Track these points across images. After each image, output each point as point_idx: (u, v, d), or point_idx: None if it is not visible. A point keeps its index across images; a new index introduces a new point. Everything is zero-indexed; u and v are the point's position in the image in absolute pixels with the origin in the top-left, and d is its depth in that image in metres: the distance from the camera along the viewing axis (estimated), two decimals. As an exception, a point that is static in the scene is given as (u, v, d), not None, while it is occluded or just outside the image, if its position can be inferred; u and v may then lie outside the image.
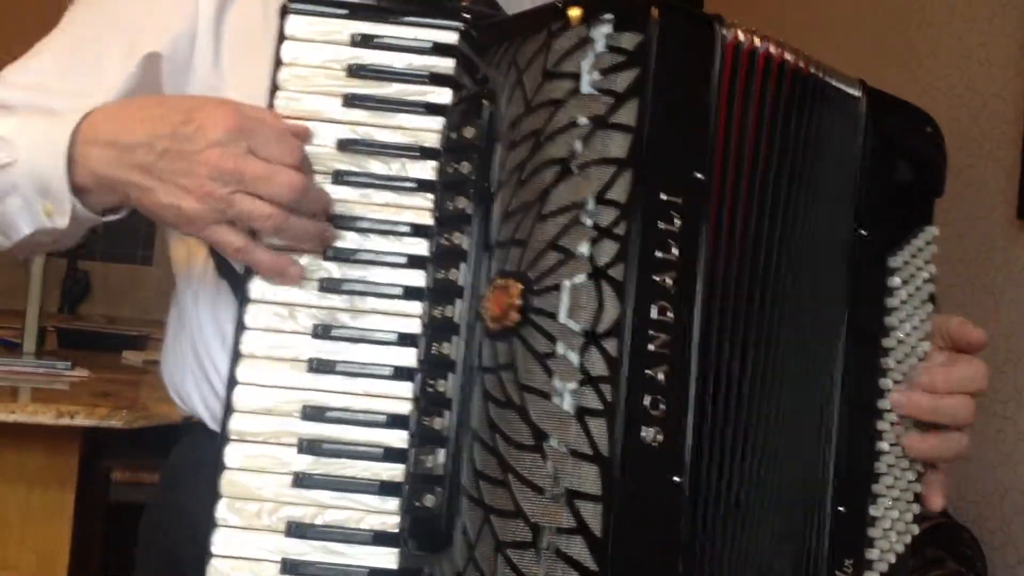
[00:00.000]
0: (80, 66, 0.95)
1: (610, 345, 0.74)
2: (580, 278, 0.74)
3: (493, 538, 0.76)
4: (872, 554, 0.86)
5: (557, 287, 0.75)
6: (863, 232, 0.87)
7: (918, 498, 0.88)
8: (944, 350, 0.89)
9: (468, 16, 0.83)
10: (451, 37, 0.82)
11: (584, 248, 0.74)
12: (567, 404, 0.74)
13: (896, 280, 0.88)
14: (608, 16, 0.76)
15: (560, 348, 0.74)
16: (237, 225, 0.78)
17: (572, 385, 0.74)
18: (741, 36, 0.80)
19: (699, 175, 0.77)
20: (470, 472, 0.79)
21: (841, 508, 0.85)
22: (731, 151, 0.79)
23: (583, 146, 0.75)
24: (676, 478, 0.75)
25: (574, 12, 0.77)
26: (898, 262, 0.88)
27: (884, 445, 0.86)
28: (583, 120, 0.75)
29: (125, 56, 0.93)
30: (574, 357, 0.74)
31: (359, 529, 0.79)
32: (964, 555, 2.20)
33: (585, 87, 0.76)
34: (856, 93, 0.87)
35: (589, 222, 0.74)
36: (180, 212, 0.78)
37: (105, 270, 4.70)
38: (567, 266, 0.75)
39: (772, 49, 0.82)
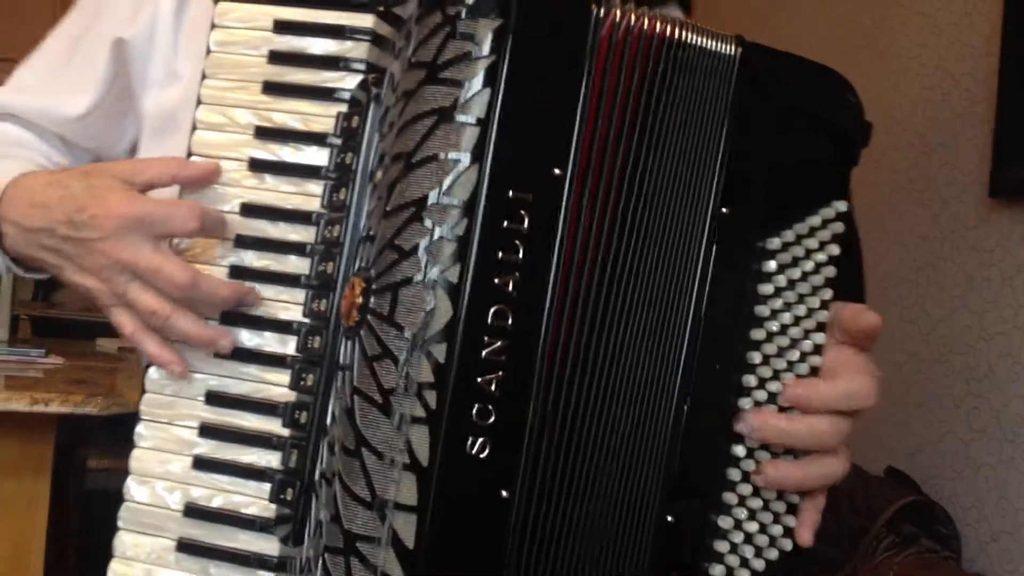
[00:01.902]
0: (72, 63, 1.02)
1: (438, 350, 0.71)
2: (414, 279, 0.72)
3: (320, 541, 0.76)
4: (716, 570, 0.77)
5: (391, 287, 0.73)
6: (724, 210, 0.77)
7: (791, 508, 0.78)
8: (843, 344, 0.78)
9: None
10: (367, 20, 0.80)
11: (420, 248, 0.72)
12: (390, 410, 0.72)
13: (771, 264, 0.77)
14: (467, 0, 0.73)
15: (389, 351, 0.73)
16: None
17: (396, 390, 0.72)
18: (618, 16, 0.74)
19: (556, 170, 0.72)
20: (318, 472, 0.78)
21: (670, 518, 0.76)
22: (597, 141, 0.74)
23: (428, 140, 0.73)
24: (504, 492, 0.72)
25: None
26: (776, 244, 0.77)
27: (740, 450, 0.76)
28: (430, 112, 0.73)
29: (105, 47, 1.00)
30: (400, 362, 0.72)
31: (245, 515, 0.79)
32: (938, 533, 2.22)
33: (437, 76, 0.73)
34: (728, 51, 0.77)
35: (428, 220, 0.72)
36: (88, 290, 0.81)
37: (79, 257, 4.66)
38: (401, 266, 0.73)
39: (645, 24, 0.75)
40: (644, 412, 0.76)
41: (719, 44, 0.77)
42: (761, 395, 0.76)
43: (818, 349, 0.76)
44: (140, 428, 0.81)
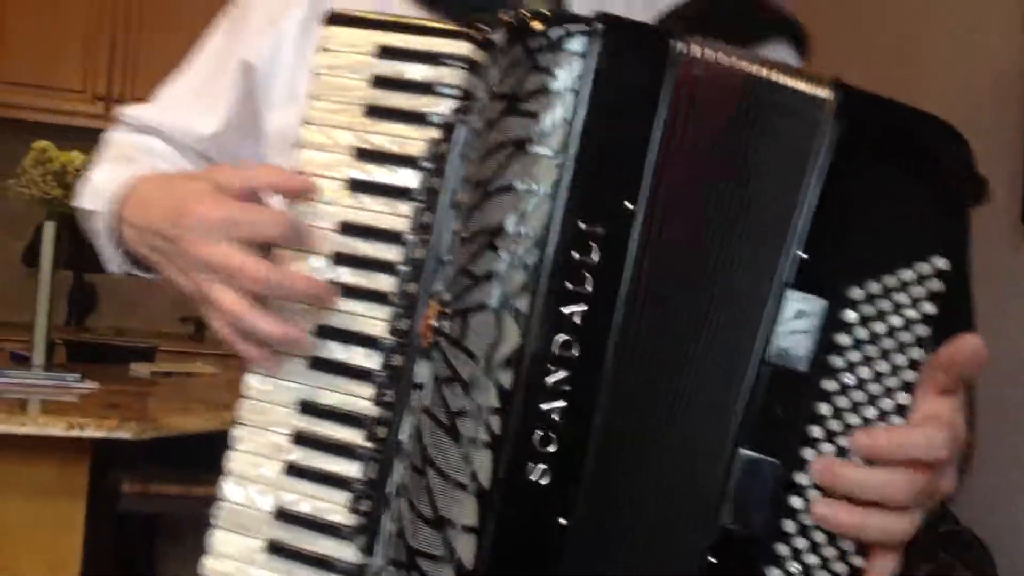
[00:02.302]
0: (207, 84, 1.08)
1: (504, 376, 0.73)
2: (484, 305, 0.74)
3: (388, 554, 0.79)
4: None
5: (463, 312, 0.75)
6: (802, 254, 0.75)
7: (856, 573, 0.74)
8: (940, 393, 0.74)
9: (486, 26, 0.81)
10: (463, 48, 0.82)
11: (491, 275, 0.74)
12: (456, 432, 0.74)
13: (851, 314, 0.74)
14: (549, 33, 0.75)
15: (458, 374, 0.75)
16: None
17: (463, 413, 0.74)
18: (699, 53, 0.75)
19: (628, 204, 0.73)
20: (391, 486, 0.80)
21: (713, 559, 0.75)
22: (672, 177, 0.74)
23: (505, 169, 0.75)
24: (562, 520, 0.73)
25: (536, 25, 0.76)
26: (859, 294, 0.74)
27: (798, 501, 0.74)
28: (508, 142, 0.75)
29: (235, 69, 1.05)
30: (467, 386, 0.74)
31: (329, 522, 0.82)
32: (974, 561, 2.20)
33: (517, 107, 0.75)
34: (823, 94, 0.76)
35: (500, 249, 0.74)
36: (182, 288, 0.85)
37: (112, 282, 4.71)
38: (473, 292, 0.75)
39: (730, 62, 0.75)
40: (701, 453, 0.76)
41: (813, 86, 0.76)
42: (827, 448, 0.74)
43: (901, 410, 0.73)
44: (237, 432, 0.84)
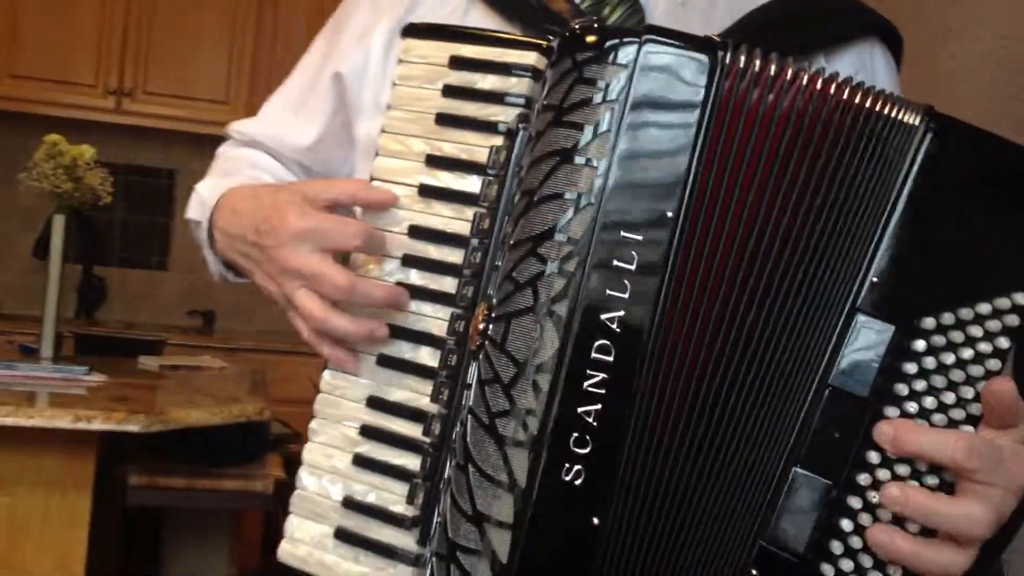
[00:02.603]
0: (306, 96, 1.14)
1: (542, 379, 0.76)
2: (526, 310, 0.77)
3: (432, 546, 0.82)
4: None
5: (506, 316, 0.78)
6: (874, 279, 0.75)
7: None
8: (1005, 428, 0.73)
9: (552, 37, 0.83)
10: (530, 57, 0.84)
11: (534, 281, 0.77)
12: (495, 432, 0.77)
13: (920, 343, 0.74)
14: (592, 45, 0.77)
15: (499, 376, 0.78)
16: None
17: (503, 414, 0.77)
18: (744, 63, 0.76)
19: (669, 213, 0.75)
20: (442, 481, 0.83)
21: (755, 573, 0.76)
22: (727, 187, 0.75)
23: (550, 178, 0.77)
24: (595, 519, 0.76)
25: (585, 43, 0.78)
26: (930, 323, 0.74)
27: (847, 524, 0.74)
28: (554, 152, 0.77)
29: (329, 81, 1.12)
30: (507, 387, 0.77)
31: (392, 512, 0.86)
32: None
33: (562, 119, 0.78)
34: (911, 121, 0.75)
35: (543, 256, 0.77)
36: (269, 293, 0.92)
37: (121, 275, 4.74)
38: (516, 297, 0.78)
39: (784, 75, 0.76)
40: (745, 467, 0.77)
41: (902, 112, 0.76)
42: (883, 474, 0.74)
43: None
44: (313, 424, 0.89)
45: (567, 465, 0.75)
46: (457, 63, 0.86)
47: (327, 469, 0.88)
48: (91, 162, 2.85)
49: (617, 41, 0.76)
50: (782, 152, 0.75)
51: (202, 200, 1.07)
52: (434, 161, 0.86)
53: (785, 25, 0.96)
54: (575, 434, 0.75)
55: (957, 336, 0.74)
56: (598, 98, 0.76)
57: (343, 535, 0.86)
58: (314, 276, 0.84)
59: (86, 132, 3.73)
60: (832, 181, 0.76)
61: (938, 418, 0.73)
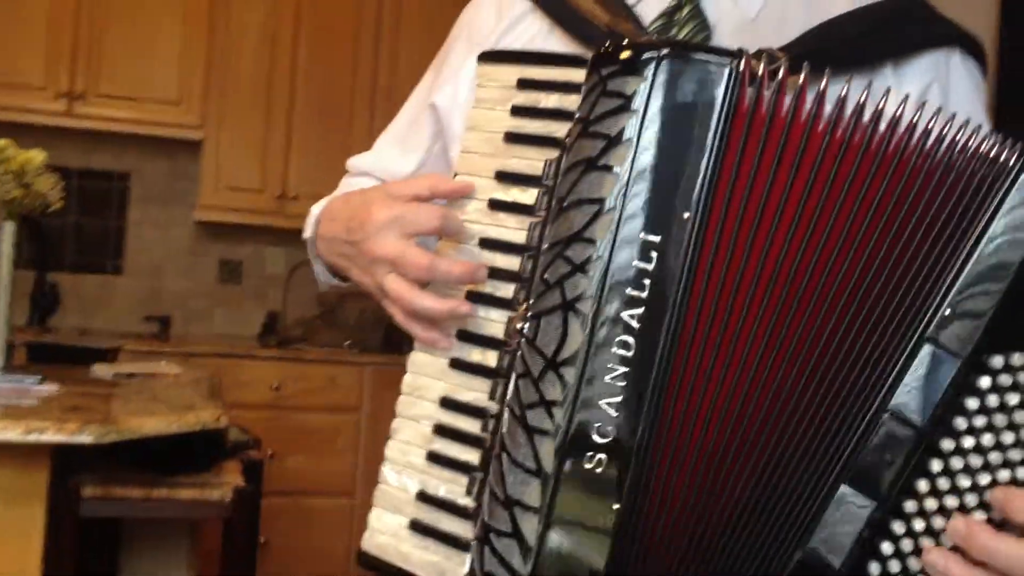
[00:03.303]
0: (411, 127, 1.23)
1: (568, 372, 0.82)
2: (554, 308, 0.84)
3: (476, 531, 0.88)
4: None
5: (537, 315, 0.85)
6: (947, 312, 0.77)
7: None
8: None
9: (602, 48, 0.87)
10: (582, 75, 0.88)
11: (562, 281, 0.83)
12: (526, 422, 0.84)
13: (984, 380, 0.76)
14: (616, 59, 0.83)
15: (529, 370, 0.84)
16: None
17: (532, 405, 0.84)
18: (760, 70, 0.80)
19: (686, 215, 0.80)
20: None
21: None
22: (743, 193, 0.80)
23: (577, 185, 0.84)
24: (615, 505, 0.82)
25: (611, 58, 0.84)
26: (998, 362, 0.76)
27: (887, 547, 0.78)
28: (582, 161, 0.84)
29: (428, 111, 1.20)
30: (536, 380, 0.84)
31: (457, 504, 0.91)
32: None
33: (588, 130, 0.84)
34: (1006, 159, 0.77)
35: (570, 257, 0.83)
36: (364, 286, 1.00)
37: (75, 281, 4.68)
38: (546, 296, 0.84)
39: (801, 99, 0.80)
40: (791, 476, 0.81)
41: (995, 149, 0.78)
42: (931, 503, 0.77)
43: (1019, 484, 0.75)
44: (395, 423, 0.96)
45: (590, 454, 0.82)
46: (524, 84, 0.93)
47: (405, 464, 0.95)
48: (41, 167, 2.79)
49: (637, 56, 0.82)
50: (835, 174, 0.79)
51: (311, 219, 1.15)
52: (503, 177, 0.93)
53: (852, 36, 0.99)
54: (598, 424, 0.82)
55: None
56: (620, 109, 0.82)
57: (417, 526, 0.93)
58: (398, 259, 0.92)
59: (36, 136, 3.67)
60: (898, 208, 0.79)
61: (994, 456, 0.76)
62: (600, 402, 0.82)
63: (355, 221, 0.98)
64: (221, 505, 2.68)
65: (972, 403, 0.76)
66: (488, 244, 0.93)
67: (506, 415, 0.86)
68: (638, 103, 0.81)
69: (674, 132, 0.81)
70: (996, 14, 2.28)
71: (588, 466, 0.82)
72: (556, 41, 1.06)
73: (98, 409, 2.44)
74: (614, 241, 0.81)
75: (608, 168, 0.82)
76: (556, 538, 0.83)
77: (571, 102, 0.89)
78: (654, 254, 0.81)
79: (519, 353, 0.86)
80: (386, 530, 0.95)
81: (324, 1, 4.58)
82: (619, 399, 0.82)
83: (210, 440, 2.73)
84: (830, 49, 0.94)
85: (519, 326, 0.87)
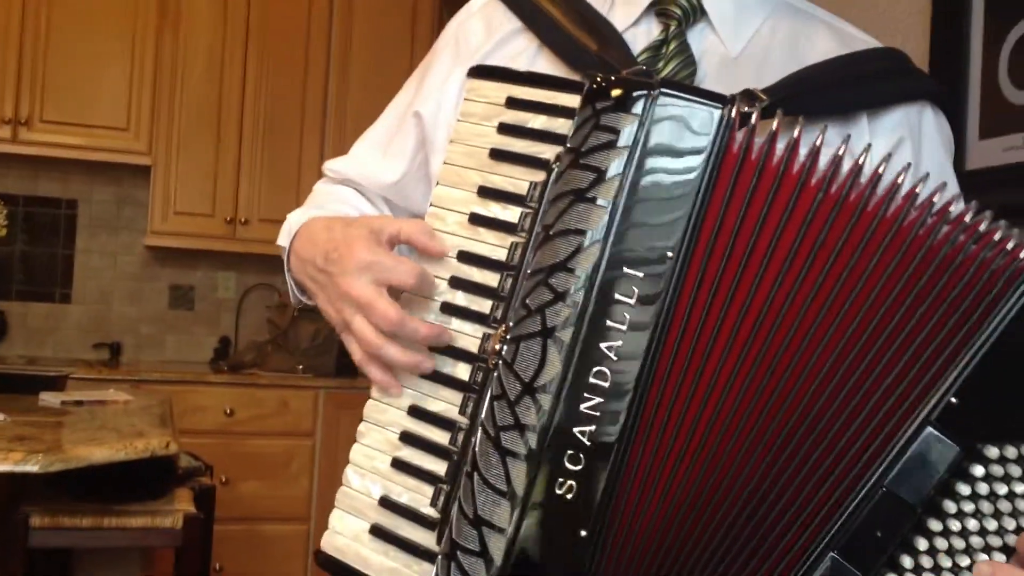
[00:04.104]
0: (393, 136, 1.22)
1: (544, 399, 0.83)
2: (534, 335, 0.85)
3: (441, 545, 0.89)
4: None
5: (516, 339, 0.86)
6: (953, 400, 0.80)
7: None
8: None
9: (597, 82, 0.89)
10: (575, 100, 0.90)
11: (543, 309, 0.84)
12: (499, 444, 0.85)
13: (978, 469, 0.80)
14: (611, 95, 0.85)
15: (505, 393, 0.85)
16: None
17: (507, 428, 0.85)
18: (758, 117, 0.83)
19: (669, 253, 0.82)
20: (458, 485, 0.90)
21: None
22: (729, 233, 0.82)
23: (564, 215, 0.85)
24: (583, 532, 0.84)
25: (608, 93, 0.86)
26: (993, 452, 0.79)
27: None
28: (571, 191, 0.85)
29: (412, 121, 1.20)
30: (512, 403, 0.85)
31: (420, 513, 0.93)
32: None
33: (579, 161, 0.85)
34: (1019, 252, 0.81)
35: (553, 286, 0.84)
36: (328, 316, 1.01)
37: (23, 309, 4.61)
38: (526, 322, 0.85)
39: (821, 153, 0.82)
40: (767, 533, 0.84)
41: (1001, 233, 0.81)
42: None
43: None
44: (361, 427, 0.97)
45: (561, 479, 0.83)
46: (512, 103, 0.94)
47: (369, 469, 0.96)
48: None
49: (632, 93, 0.84)
50: (828, 231, 0.81)
51: (289, 228, 1.15)
52: (485, 192, 0.94)
53: (830, 84, 1.01)
54: (570, 451, 0.83)
55: (1015, 470, 0.79)
56: (612, 144, 0.84)
57: (378, 531, 0.94)
58: (368, 306, 0.93)
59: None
60: (910, 285, 0.81)
61: (975, 540, 0.79)
62: (574, 430, 0.83)
63: (335, 253, 0.98)
64: (172, 533, 2.65)
65: (964, 488, 0.80)
66: (466, 258, 0.94)
67: (479, 434, 0.87)
68: (629, 140, 0.83)
69: (663, 171, 0.83)
70: (929, 13, 2.32)
71: (559, 491, 0.84)
72: (544, 62, 1.07)
73: (45, 438, 2.41)
74: (597, 273, 0.83)
75: (594, 201, 0.84)
76: (522, 560, 0.84)
77: (558, 125, 0.91)
78: (635, 289, 0.82)
79: (495, 374, 0.87)
80: (346, 532, 0.96)
81: (273, 25, 4.57)
82: (593, 428, 0.83)
83: (160, 467, 2.69)
84: (808, 95, 0.97)
85: (497, 347, 0.87)
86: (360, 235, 0.97)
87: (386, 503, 0.95)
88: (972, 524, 0.79)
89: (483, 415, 0.87)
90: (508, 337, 0.87)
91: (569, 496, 0.84)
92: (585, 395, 0.83)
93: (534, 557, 0.84)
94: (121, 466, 2.39)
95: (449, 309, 0.94)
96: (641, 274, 0.82)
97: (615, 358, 0.83)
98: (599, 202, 0.84)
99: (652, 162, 0.83)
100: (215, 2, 4.48)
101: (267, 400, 4.24)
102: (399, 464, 0.94)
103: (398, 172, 1.20)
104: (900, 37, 2.20)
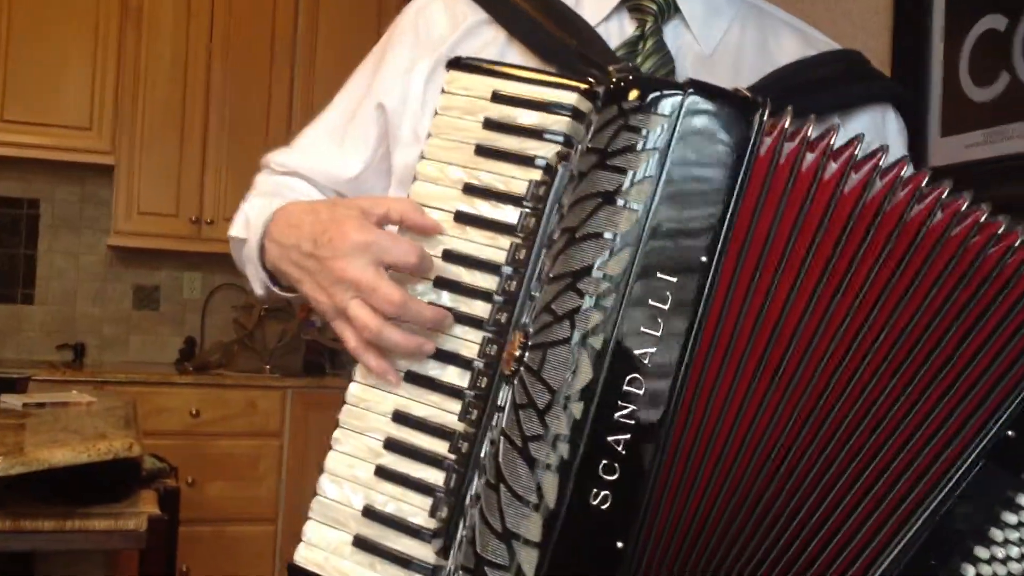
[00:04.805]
0: (348, 128, 1.16)
1: (576, 408, 0.80)
2: (563, 342, 0.81)
3: (458, 560, 0.85)
4: None
5: (543, 346, 0.82)
6: (1011, 433, 0.81)
7: None
8: None
9: (592, 79, 0.87)
10: (571, 98, 0.88)
11: (572, 315, 0.81)
12: (528, 455, 0.81)
13: None
14: (637, 96, 0.81)
15: (533, 402, 0.81)
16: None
17: (536, 438, 0.81)
18: (790, 123, 0.82)
19: (703, 258, 0.79)
20: (469, 497, 0.87)
21: None
22: (762, 240, 0.80)
23: (592, 218, 0.81)
24: (619, 543, 0.80)
25: (632, 92, 0.82)
26: None
27: None
28: (597, 194, 0.82)
29: (372, 113, 1.14)
30: (542, 413, 0.81)
31: (411, 523, 0.89)
32: None
33: (606, 163, 0.82)
34: None
35: (582, 291, 0.81)
36: (317, 303, 0.95)
37: (-17, 312, 4.54)
38: (554, 328, 0.81)
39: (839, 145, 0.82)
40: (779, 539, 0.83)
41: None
42: None
43: None
44: (337, 434, 0.92)
45: (595, 490, 0.80)
46: (499, 98, 0.91)
47: (348, 478, 0.91)
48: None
49: (661, 93, 0.81)
50: (868, 241, 0.81)
51: (248, 219, 1.10)
52: (471, 190, 0.90)
53: (805, 86, 1.01)
54: (604, 461, 0.80)
55: None
56: (641, 145, 0.80)
57: (361, 543, 0.90)
58: (369, 288, 0.88)
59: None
60: (961, 300, 0.81)
61: (1015, 567, 0.81)
62: (608, 439, 0.80)
63: (325, 236, 0.92)
64: (136, 535, 2.62)
65: (1011, 518, 0.81)
66: (452, 257, 0.90)
67: (502, 444, 0.83)
68: (660, 142, 0.80)
69: (694, 174, 0.80)
70: (890, 12, 2.34)
71: (594, 502, 0.80)
72: (515, 55, 1.04)
73: (6, 441, 2.38)
74: (628, 278, 0.80)
75: (626, 204, 0.80)
76: (556, 573, 0.81)
77: (554, 122, 0.88)
78: (669, 295, 0.79)
79: (517, 382, 0.83)
80: (324, 545, 0.91)
81: (238, 23, 4.52)
82: (627, 437, 0.80)
83: (124, 469, 2.67)
84: (795, 96, 0.94)
85: (517, 354, 0.83)
86: (350, 215, 0.92)
87: (370, 513, 0.90)
88: (1015, 552, 0.81)
89: (504, 424, 0.83)
90: (531, 344, 0.83)
91: (604, 507, 0.80)
92: (620, 403, 0.80)
93: (568, 570, 0.81)
94: (84, 468, 2.37)
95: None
96: (675, 279, 0.79)
97: (649, 365, 0.79)
98: (629, 205, 0.80)
99: (683, 165, 0.80)
100: (179, -1, 4.45)
101: (233, 400, 4.20)
102: (383, 472, 0.90)
103: (358, 166, 1.15)
104: (862, 35, 2.21)
